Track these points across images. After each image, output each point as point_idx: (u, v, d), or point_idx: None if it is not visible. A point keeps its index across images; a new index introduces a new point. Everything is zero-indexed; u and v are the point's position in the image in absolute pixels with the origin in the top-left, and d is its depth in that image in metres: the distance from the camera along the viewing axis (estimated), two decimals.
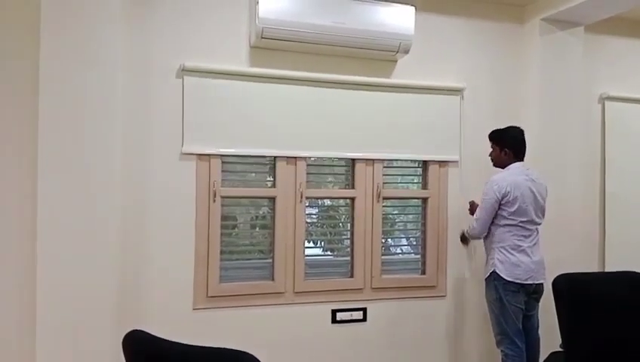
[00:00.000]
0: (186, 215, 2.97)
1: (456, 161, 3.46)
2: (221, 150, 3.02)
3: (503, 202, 2.97)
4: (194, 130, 2.97)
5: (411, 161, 3.47)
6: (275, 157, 3.15)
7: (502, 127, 3.14)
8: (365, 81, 3.25)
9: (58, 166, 2.48)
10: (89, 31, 2.53)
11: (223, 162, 3.05)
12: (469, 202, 3.35)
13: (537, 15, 3.48)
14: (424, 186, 3.48)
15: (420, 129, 3.38)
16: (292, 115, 3.14)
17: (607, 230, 3.81)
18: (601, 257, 3.80)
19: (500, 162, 3.12)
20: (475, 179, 3.38)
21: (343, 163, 3.36)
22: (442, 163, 3.46)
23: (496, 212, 3.00)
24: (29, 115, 2.48)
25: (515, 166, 3.06)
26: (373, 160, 3.32)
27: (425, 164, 3.46)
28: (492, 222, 3.03)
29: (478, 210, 3.10)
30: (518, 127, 3.13)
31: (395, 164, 3.45)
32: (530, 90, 3.54)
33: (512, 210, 2.96)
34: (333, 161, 3.39)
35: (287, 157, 3.15)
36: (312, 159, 3.27)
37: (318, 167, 3.34)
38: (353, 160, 3.30)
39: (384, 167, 3.36)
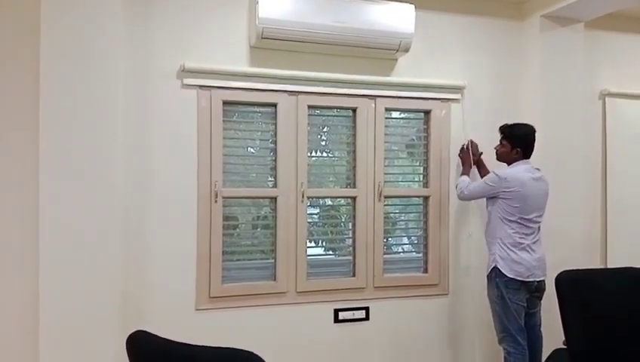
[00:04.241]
0: (187, 216, 2.97)
1: (459, 100, 3.47)
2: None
3: (507, 196, 2.97)
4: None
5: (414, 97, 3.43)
6: (277, 90, 3.11)
7: (514, 123, 3.13)
8: (365, 80, 3.25)
9: (59, 166, 2.49)
10: (89, 31, 2.54)
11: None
12: (470, 141, 3.38)
13: (537, 12, 3.47)
14: (425, 185, 3.48)
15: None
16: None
17: (609, 227, 3.80)
18: (603, 254, 3.80)
19: (507, 159, 3.11)
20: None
21: (344, 151, 3.36)
22: (444, 99, 3.45)
23: (500, 205, 3.00)
24: (29, 114, 2.49)
25: (522, 163, 3.06)
26: (374, 96, 3.30)
27: (426, 165, 3.46)
28: (496, 214, 3.03)
29: (476, 184, 3.15)
30: (531, 126, 3.10)
31: (396, 163, 3.44)
32: (530, 87, 3.53)
33: (516, 205, 2.96)
34: (334, 160, 3.40)
35: (289, 91, 3.14)
36: (314, 155, 3.27)
37: (319, 167, 3.34)
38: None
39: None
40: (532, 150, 3.09)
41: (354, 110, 3.31)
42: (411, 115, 3.51)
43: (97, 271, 2.54)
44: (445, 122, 3.45)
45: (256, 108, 3.19)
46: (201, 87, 2.98)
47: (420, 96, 3.38)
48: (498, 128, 3.15)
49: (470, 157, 3.35)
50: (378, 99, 3.31)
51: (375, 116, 3.32)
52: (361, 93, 3.27)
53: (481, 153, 3.38)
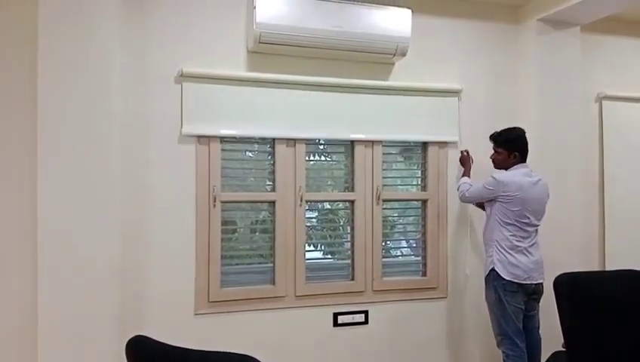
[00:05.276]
0: (186, 220, 2.97)
1: (456, 142, 3.47)
2: (222, 131, 3.01)
3: (505, 200, 2.98)
4: (193, 115, 2.98)
5: (411, 142, 3.47)
6: (274, 139, 3.13)
7: (503, 129, 3.14)
8: (363, 84, 3.25)
9: (57, 168, 2.49)
10: (87, 38, 2.54)
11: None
12: (464, 151, 3.42)
13: (533, 15, 3.49)
14: (423, 188, 3.48)
15: (418, 114, 3.40)
16: (290, 116, 3.15)
17: (607, 229, 3.81)
18: (601, 256, 3.81)
19: (505, 165, 3.10)
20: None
21: (342, 155, 3.36)
22: (442, 143, 3.46)
23: (498, 208, 3.01)
24: (27, 117, 2.50)
25: (521, 167, 3.07)
26: (372, 141, 3.31)
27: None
28: (494, 217, 3.04)
29: (476, 188, 3.14)
30: (521, 128, 3.13)
31: (395, 166, 3.45)
32: (527, 90, 3.55)
33: (514, 209, 2.97)
34: (332, 163, 3.40)
35: (287, 138, 3.15)
36: (312, 159, 3.27)
37: (317, 171, 3.35)
38: (352, 142, 3.30)
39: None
40: (527, 152, 3.10)
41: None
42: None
43: (96, 275, 2.54)
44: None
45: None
46: (199, 138, 2.99)
47: (418, 139, 3.43)
48: (489, 138, 3.16)
49: (470, 160, 3.37)
50: (375, 145, 3.33)
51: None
52: (360, 138, 3.28)
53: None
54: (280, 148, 3.15)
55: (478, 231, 3.35)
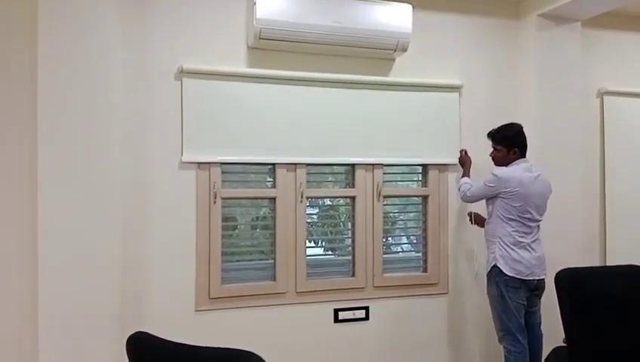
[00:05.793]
0: (186, 217, 2.97)
1: (456, 164, 3.45)
2: (220, 158, 3.01)
3: (506, 196, 2.97)
4: (193, 135, 2.96)
5: (411, 165, 3.47)
6: (274, 164, 3.14)
7: (500, 126, 3.13)
8: (363, 80, 3.25)
9: (58, 166, 2.48)
10: (86, 34, 2.53)
11: (222, 172, 3.04)
12: (463, 151, 3.40)
13: (534, 11, 3.48)
14: (424, 184, 3.48)
15: (419, 128, 3.38)
16: (291, 116, 3.14)
17: (608, 225, 3.80)
18: (602, 252, 3.81)
19: (505, 162, 3.09)
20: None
21: (342, 170, 3.36)
22: (442, 166, 3.45)
23: (500, 204, 3.00)
24: (27, 121, 2.49)
25: (521, 162, 3.06)
26: (373, 164, 3.31)
27: (425, 167, 3.46)
28: (495, 213, 3.03)
29: (477, 187, 3.12)
30: (518, 123, 3.13)
31: (394, 170, 3.45)
32: (528, 85, 3.54)
33: (516, 205, 2.96)
34: (333, 168, 3.40)
35: (287, 163, 3.15)
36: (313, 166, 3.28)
37: (318, 167, 3.34)
38: (353, 165, 3.29)
39: (384, 173, 3.36)
40: (527, 147, 3.09)
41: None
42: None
43: (97, 272, 2.53)
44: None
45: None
46: (199, 164, 2.98)
47: (417, 163, 3.43)
48: (487, 135, 3.15)
49: (469, 160, 3.36)
50: (376, 169, 3.32)
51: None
52: (360, 162, 3.27)
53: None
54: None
55: (475, 229, 3.35)
